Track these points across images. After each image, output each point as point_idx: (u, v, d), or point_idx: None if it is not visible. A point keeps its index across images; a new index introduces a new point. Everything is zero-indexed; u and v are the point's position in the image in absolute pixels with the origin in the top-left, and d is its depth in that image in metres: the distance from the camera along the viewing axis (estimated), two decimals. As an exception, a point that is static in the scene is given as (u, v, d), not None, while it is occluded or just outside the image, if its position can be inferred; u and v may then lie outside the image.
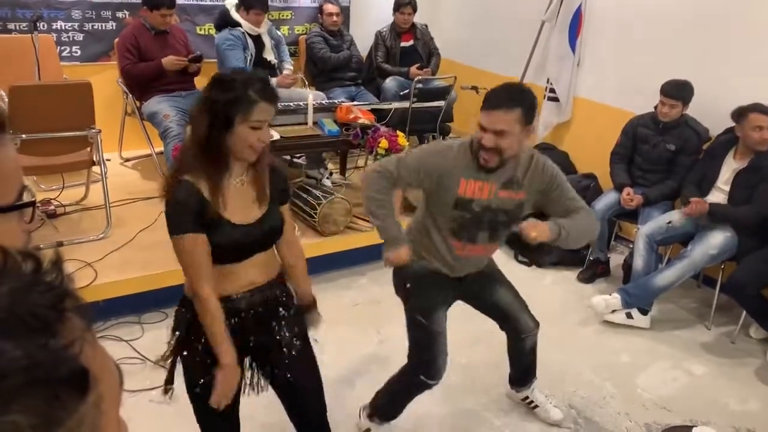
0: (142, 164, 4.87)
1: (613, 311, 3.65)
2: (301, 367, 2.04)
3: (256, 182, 1.85)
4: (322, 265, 3.85)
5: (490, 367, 3.22)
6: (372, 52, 5.52)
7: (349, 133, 4.11)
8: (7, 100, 3.31)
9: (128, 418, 0.55)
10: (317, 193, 3.92)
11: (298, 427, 2.14)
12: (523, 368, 2.82)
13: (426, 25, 5.62)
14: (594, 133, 4.72)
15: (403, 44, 5.48)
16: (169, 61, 4.32)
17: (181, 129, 4.17)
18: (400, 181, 2.31)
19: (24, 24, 4.48)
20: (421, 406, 2.91)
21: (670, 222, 3.73)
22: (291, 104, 4.23)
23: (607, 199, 4.09)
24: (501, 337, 3.46)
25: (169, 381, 2.00)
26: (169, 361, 1.97)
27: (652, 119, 3.95)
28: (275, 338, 1.97)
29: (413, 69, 5.28)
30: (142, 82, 4.39)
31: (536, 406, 2.89)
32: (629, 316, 3.64)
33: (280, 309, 1.99)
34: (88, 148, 3.70)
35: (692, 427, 2.02)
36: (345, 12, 5.73)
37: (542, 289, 4.09)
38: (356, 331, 3.37)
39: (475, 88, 5.30)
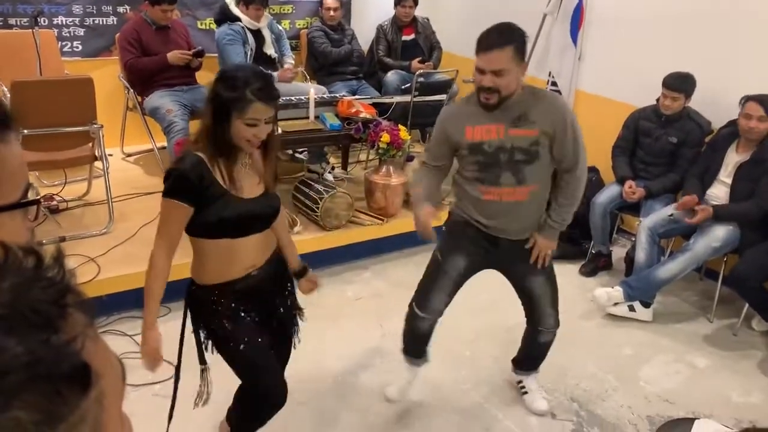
0: (144, 159, 4.88)
1: (616, 304, 3.65)
2: (285, 345, 2.30)
3: (259, 166, 2.01)
4: (324, 259, 3.85)
5: (494, 360, 3.22)
6: (373, 46, 5.51)
7: (351, 127, 4.10)
8: (9, 95, 3.32)
9: (131, 412, 0.55)
10: (319, 187, 3.92)
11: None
12: (530, 356, 2.88)
13: (427, 19, 5.60)
14: (596, 126, 4.69)
15: (404, 38, 5.47)
16: (174, 55, 4.32)
17: (185, 123, 4.17)
18: (431, 158, 2.52)
19: (25, 19, 4.48)
20: (425, 397, 2.92)
21: (672, 215, 3.73)
22: (292, 99, 4.22)
23: (609, 192, 4.08)
24: (505, 331, 3.47)
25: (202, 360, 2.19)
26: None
27: (654, 112, 3.93)
28: (277, 308, 2.18)
29: (415, 63, 5.27)
30: (146, 77, 4.39)
31: (526, 392, 2.94)
32: (631, 309, 3.64)
33: (281, 284, 2.20)
34: (90, 144, 3.71)
35: (695, 419, 2.02)
36: (346, 6, 5.72)
37: (544, 283, 4.09)
38: (359, 325, 3.38)
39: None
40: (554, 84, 4.92)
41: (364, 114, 4.15)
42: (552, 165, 2.43)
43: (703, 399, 3.05)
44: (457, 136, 2.39)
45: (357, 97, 4.61)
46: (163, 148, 4.40)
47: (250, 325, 2.07)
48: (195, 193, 1.86)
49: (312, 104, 4.08)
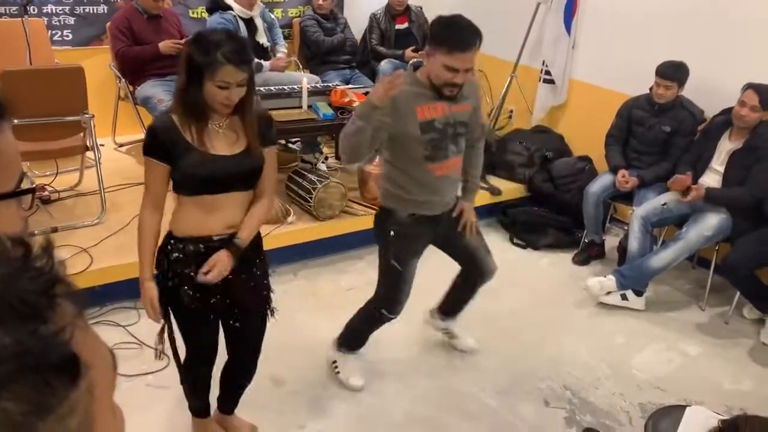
0: (136, 149, 4.85)
1: (608, 293, 3.66)
2: (252, 323, 2.27)
3: (236, 127, 2.01)
4: (317, 249, 3.85)
5: (488, 350, 3.24)
6: (366, 34, 5.48)
7: (344, 116, 4.08)
8: (-2, 85, 3.29)
9: (124, 403, 0.55)
10: (312, 177, 3.91)
11: (230, 362, 2.37)
12: (460, 303, 3.06)
13: (421, 8, 5.58)
14: (589, 115, 4.71)
15: (397, 27, 5.44)
16: (166, 45, 4.28)
17: (176, 113, 4.14)
18: (376, 117, 2.48)
19: (14, 8, 4.42)
20: (417, 387, 2.94)
21: (665, 204, 3.74)
22: (285, 88, 4.20)
23: (602, 181, 4.09)
24: (498, 320, 3.48)
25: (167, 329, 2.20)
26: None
27: (647, 101, 3.94)
28: (244, 280, 2.14)
29: (408, 51, 5.25)
30: (137, 66, 4.35)
31: (454, 337, 3.17)
32: (624, 297, 3.66)
33: (253, 257, 2.16)
34: (82, 134, 3.68)
35: (686, 406, 2.04)
36: (339, -6, 5.68)
37: (537, 272, 4.10)
38: (352, 314, 3.37)
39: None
40: (548, 73, 4.91)
41: (358, 103, 4.13)
42: None
43: (695, 386, 3.07)
44: (409, 120, 2.45)
45: (350, 86, 4.59)
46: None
47: (206, 294, 2.06)
48: (164, 150, 1.94)
49: (305, 94, 4.06)
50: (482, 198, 4.59)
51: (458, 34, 2.33)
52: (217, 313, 2.18)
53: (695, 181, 3.66)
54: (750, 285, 3.44)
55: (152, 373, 2.84)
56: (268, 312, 2.32)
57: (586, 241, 4.27)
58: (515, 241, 4.42)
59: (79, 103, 3.50)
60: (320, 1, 5.23)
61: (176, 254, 2.04)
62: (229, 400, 2.49)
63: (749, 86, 3.44)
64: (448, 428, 2.72)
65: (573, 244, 4.34)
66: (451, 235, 2.78)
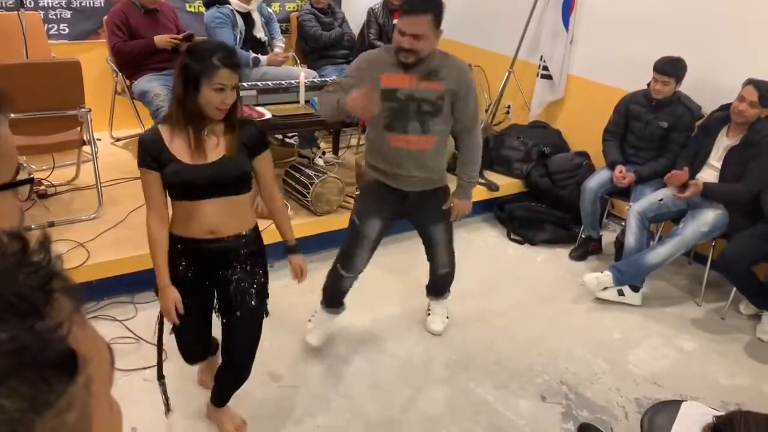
0: (133, 144, 4.83)
1: (605, 288, 3.67)
2: (246, 324, 2.34)
3: (217, 134, 2.14)
4: (315, 244, 3.84)
5: (486, 345, 3.24)
6: (364, 29, 5.47)
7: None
8: (-6, 79, 3.27)
9: (121, 397, 0.55)
10: (310, 172, 3.91)
11: (224, 359, 2.44)
12: (434, 285, 3.26)
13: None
14: (587, 110, 4.71)
15: (395, 21, 5.42)
16: (162, 39, 4.26)
17: (173, 108, 4.13)
18: (344, 83, 2.64)
19: (10, 1, 4.40)
20: (416, 382, 2.94)
21: (662, 199, 3.75)
22: (282, 83, 4.19)
23: (599, 177, 4.09)
24: (496, 316, 3.49)
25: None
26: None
27: (644, 97, 3.94)
28: (231, 285, 2.26)
29: (406, 46, 5.23)
30: (133, 61, 4.33)
31: (429, 314, 3.34)
32: (621, 293, 3.67)
33: (236, 263, 2.25)
34: (78, 128, 3.67)
35: (682, 401, 2.05)
36: (337, -11, 5.66)
37: (535, 267, 4.11)
38: (350, 309, 3.38)
39: (468, 65, 5.27)
40: (546, 68, 4.91)
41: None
42: (450, 123, 2.72)
43: (691, 382, 3.08)
44: (375, 80, 2.56)
45: (348, 81, 4.58)
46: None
47: (187, 285, 2.21)
48: (151, 159, 2.07)
49: (302, 88, 4.06)
50: (479, 193, 4.59)
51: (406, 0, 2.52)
52: (201, 312, 2.33)
53: (693, 176, 3.66)
54: (746, 281, 3.45)
55: (149, 367, 2.83)
56: (264, 313, 2.41)
57: (583, 236, 4.27)
58: (512, 236, 4.43)
59: (76, 98, 3.49)
60: (319, -5, 5.21)
61: (171, 250, 2.18)
62: (222, 396, 2.52)
63: (750, 81, 3.44)
64: (445, 423, 2.73)
65: (570, 239, 4.34)
66: (421, 220, 2.96)
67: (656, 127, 3.89)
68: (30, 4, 4.47)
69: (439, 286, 3.26)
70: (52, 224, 3.44)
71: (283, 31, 5.32)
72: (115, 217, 3.59)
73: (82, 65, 3.50)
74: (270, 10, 4.98)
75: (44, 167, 3.99)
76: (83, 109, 3.53)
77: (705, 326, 3.58)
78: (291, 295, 3.31)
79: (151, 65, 4.34)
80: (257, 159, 2.21)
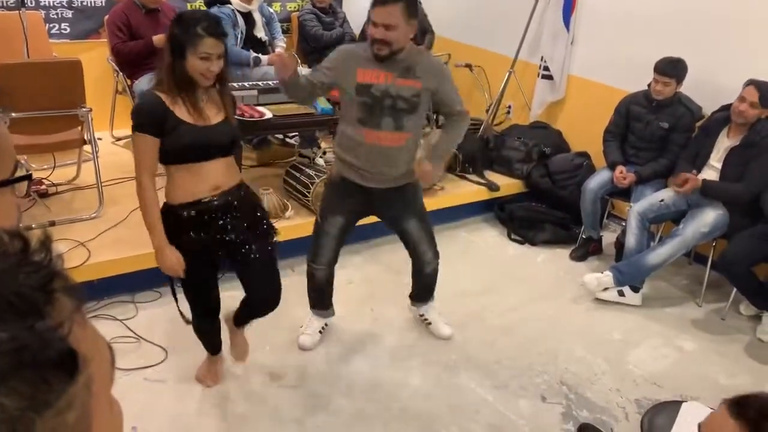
0: (134, 143, 4.83)
1: (605, 289, 3.67)
2: (262, 275, 2.50)
3: (216, 101, 2.27)
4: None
5: (484, 344, 3.25)
6: (365, 29, 5.47)
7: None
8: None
9: (122, 397, 0.55)
10: (310, 172, 3.91)
11: (249, 302, 2.63)
12: (422, 287, 3.21)
13: (420, 2, 5.56)
14: (587, 111, 4.71)
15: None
16: (161, 39, 4.25)
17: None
18: (313, 76, 2.70)
19: (11, 0, 4.41)
20: (416, 382, 2.94)
21: (662, 200, 3.75)
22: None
23: (599, 178, 4.09)
24: (495, 316, 3.49)
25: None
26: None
27: (645, 97, 3.94)
28: (241, 236, 2.37)
29: (407, 46, 5.23)
30: (133, 61, 4.33)
31: (430, 323, 3.27)
32: (621, 294, 3.67)
33: (242, 212, 2.38)
34: (79, 127, 3.67)
35: (682, 402, 2.05)
36: (338, -12, 5.66)
37: (535, 267, 4.11)
38: (350, 309, 3.38)
39: (469, 65, 5.27)
40: (546, 69, 4.91)
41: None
42: (424, 120, 2.83)
43: (691, 382, 3.08)
44: (349, 77, 2.62)
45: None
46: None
47: (200, 246, 2.30)
48: (154, 124, 2.15)
49: (303, 88, 4.05)
50: (480, 193, 4.60)
51: None
52: (215, 269, 2.45)
53: (693, 177, 3.67)
54: (746, 281, 3.45)
55: (150, 366, 2.84)
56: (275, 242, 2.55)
57: (583, 237, 4.27)
58: (513, 236, 4.43)
59: (77, 97, 3.49)
60: (321, -5, 5.22)
61: (173, 220, 2.27)
62: (243, 320, 2.73)
63: (751, 82, 3.44)
64: (444, 423, 2.73)
65: (570, 239, 4.34)
66: (392, 217, 2.96)
67: (657, 127, 3.89)
68: (31, 3, 4.48)
69: (425, 287, 3.20)
70: (52, 223, 3.44)
71: (284, 31, 5.33)
72: (116, 217, 3.59)
73: (83, 64, 3.51)
74: (271, 10, 4.99)
75: (45, 166, 3.99)
76: (84, 109, 3.54)
77: (705, 327, 3.58)
78: (291, 294, 3.30)
79: (151, 65, 4.33)
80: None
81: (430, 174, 2.83)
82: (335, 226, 2.88)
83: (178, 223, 2.27)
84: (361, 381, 2.93)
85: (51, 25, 4.64)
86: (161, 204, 2.28)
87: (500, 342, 3.28)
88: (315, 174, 3.87)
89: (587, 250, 4.24)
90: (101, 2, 4.79)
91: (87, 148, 3.78)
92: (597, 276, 3.68)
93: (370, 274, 3.82)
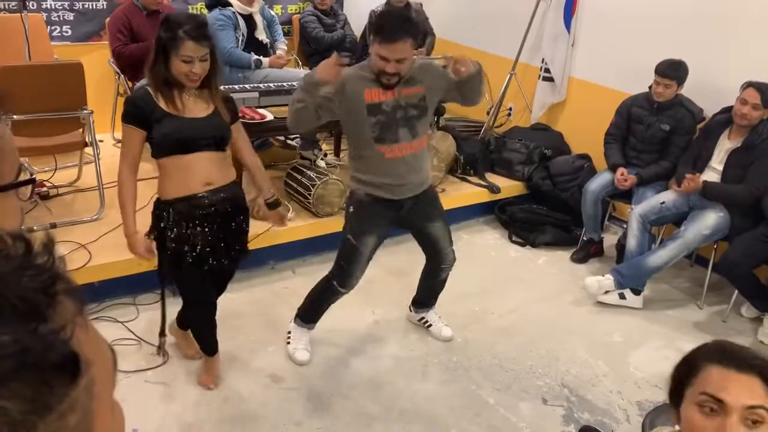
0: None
1: (606, 292, 3.67)
2: (218, 286, 2.67)
3: (205, 97, 2.32)
4: (316, 246, 3.85)
5: (486, 347, 3.24)
6: (366, 31, 5.47)
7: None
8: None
9: (123, 399, 0.55)
10: (311, 174, 3.91)
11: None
12: (429, 293, 3.21)
13: (421, 5, 5.56)
14: (588, 113, 4.71)
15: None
16: None
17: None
18: (320, 96, 2.58)
19: (13, 3, 4.41)
20: (417, 384, 2.94)
21: (663, 202, 3.74)
22: (284, 85, 4.19)
23: (601, 180, 4.09)
24: (496, 317, 3.49)
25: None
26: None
27: (646, 99, 3.94)
28: (233, 234, 2.46)
29: (408, 49, 5.23)
30: (134, 63, 4.34)
31: (430, 325, 3.27)
32: (622, 296, 3.66)
33: (236, 210, 2.46)
34: (81, 129, 3.68)
35: (683, 404, 2.04)
36: (339, -9, 5.66)
37: (536, 269, 4.11)
38: (351, 311, 3.38)
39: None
40: (547, 71, 4.91)
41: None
42: (431, 117, 2.81)
43: (692, 384, 3.07)
44: (356, 101, 2.59)
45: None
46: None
47: (195, 248, 2.37)
48: (142, 117, 2.23)
49: (304, 90, 4.05)
50: (481, 195, 4.60)
51: (388, 25, 2.51)
52: (210, 264, 2.46)
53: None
54: (748, 283, 3.45)
55: (151, 369, 2.84)
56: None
57: (584, 239, 4.27)
58: (514, 238, 4.43)
59: (78, 99, 3.50)
60: (322, -3, 5.22)
61: (167, 216, 2.33)
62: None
63: (749, 84, 3.44)
64: (446, 425, 2.72)
65: (571, 242, 4.34)
66: (417, 222, 2.92)
67: (658, 129, 3.89)
68: (33, 5, 4.49)
69: (435, 293, 3.21)
70: (54, 225, 3.44)
71: (285, 33, 5.33)
72: (117, 219, 3.54)
73: (84, 67, 3.51)
74: (272, 13, 4.99)
75: (46, 169, 4.00)
76: (85, 111, 3.54)
77: (706, 329, 3.57)
78: (292, 297, 3.31)
79: (153, 67, 4.35)
80: (234, 126, 2.44)
81: (462, 59, 2.61)
82: (368, 247, 2.82)
83: (170, 216, 2.33)
84: (362, 383, 2.93)
85: (52, 28, 4.65)
86: (155, 200, 2.39)
87: (501, 344, 3.28)
88: (316, 176, 3.87)
89: (588, 252, 4.23)
90: (102, 5, 4.80)
91: (88, 150, 3.79)
92: (598, 279, 3.68)
93: (370, 276, 3.80)
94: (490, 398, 2.89)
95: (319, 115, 2.59)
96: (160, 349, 2.88)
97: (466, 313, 3.50)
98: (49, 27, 4.60)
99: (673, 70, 3.75)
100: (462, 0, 5.78)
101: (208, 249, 2.39)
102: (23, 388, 0.39)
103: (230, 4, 4.49)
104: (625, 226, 4.08)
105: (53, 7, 4.65)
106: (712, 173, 3.66)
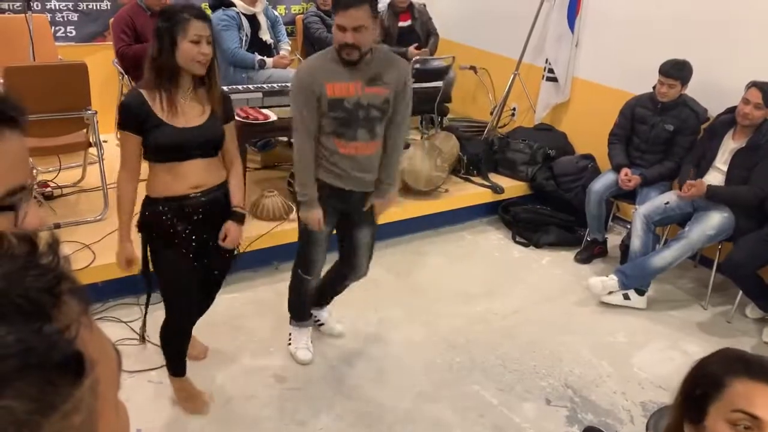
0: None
1: (610, 292, 3.66)
2: (208, 290, 2.63)
3: (200, 99, 2.27)
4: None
5: (489, 347, 3.24)
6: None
7: None
8: (2, 81, 3.29)
9: (126, 398, 0.55)
10: (315, 174, 3.90)
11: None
12: (327, 294, 3.15)
13: (424, 5, 5.56)
14: (592, 113, 4.70)
15: (400, 24, 5.43)
16: None
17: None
18: (309, 131, 2.58)
19: (17, 3, 4.43)
20: (419, 385, 2.94)
21: (667, 203, 3.74)
22: (288, 85, 4.18)
23: (605, 180, 4.08)
24: (499, 318, 3.49)
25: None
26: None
27: (650, 99, 3.93)
28: (211, 242, 2.41)
29: (411, 49, 5.23)
30: (138, 64, 4.33)
31: (322, 324, 3.24)
32: (626, 297, 3.66)
33: (223, 213, 2.41)
34: (85, 130, 3.69)
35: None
36: (342, -9, 5.65)
37: (540, 270, 4.10)
38: (355, 312, 3.38)
39: (473, 68, 5.27)
40: (551, 71, 4.91)
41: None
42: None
43: (697, 385, 3.07)
44: (319, 93, 2.53)
45: (353, 83, 4.58)
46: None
47: (183, 247, 2.34)
48: (137, 123, 2.18)
49: (308, 91, 4.06)
50: (484, 196, 4.60)
51: None
52: (196, 267, 2.42)
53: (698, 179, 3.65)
54: (752, 284, 3.44)
55: (154, 369, 2.84)
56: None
57: (588, 239, 4.27)
58: (517, 239, 4.42)
59: (82, 100, 3.51)
60: (325, -3, 5.22)
61: (153, 212, 2.31)
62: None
63: (753, 84, 3.44)
64: (449, 426, 2.72)
65: (575, 242, 4.34)
66: (356, 222, 2.85)
67: (662, 130, 3.89)
68: (37, 6, 4.50)
69: (330, 293, 3.14)
70: (58, 226, 3.45)
71: (289, 34, 5.33)
72: (121, 219, 3.59)
73: (88, 67, 3.52)
74: (276, 13, 4.99)
75: (51, 169, 4.01)
76: (89, 111, 3.55)
77: (711, 330, 3.56)
78: (296, 297, 3.31)
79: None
80: (226, 126, 2.38)
81: (383, 209, 2.85)
82: (324, 233, 2.79)
83: (157, 214, 2.31)
84: (365, 383, 2.93)
85: (57, 28, 4.67)
86: (143, 197, 2.35)
87: (505, 345, 3.27)
88: (319, 176, 3.87)
89: (592, 252, 4.23)
90: (107, 5, 4.81)
91: (92, 150, 3.80)
92: (602, 279, 3.67)
93: (372, 276, 3.80)
94: (494, 399, 2.89)
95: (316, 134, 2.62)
96: (142, 338, 2.95)
97: (469, 313, 3.49)
98: (53, 27, 4.61)
99: (677, 71, 3.75)
100: (466, 0, 5.78)
101: (194, 246, 2.35)
102: (27, 387, 0.39)
103: (234, 5, 4.50)
104: (629, 226, 4.07)
105: (57, 7, 4.66)
106: (717, 173, 3.65)
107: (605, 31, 4.62)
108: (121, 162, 2.27)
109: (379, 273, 3.86)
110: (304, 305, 3.02)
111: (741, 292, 3.55)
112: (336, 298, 3.19)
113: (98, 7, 4.80)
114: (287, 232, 3.70)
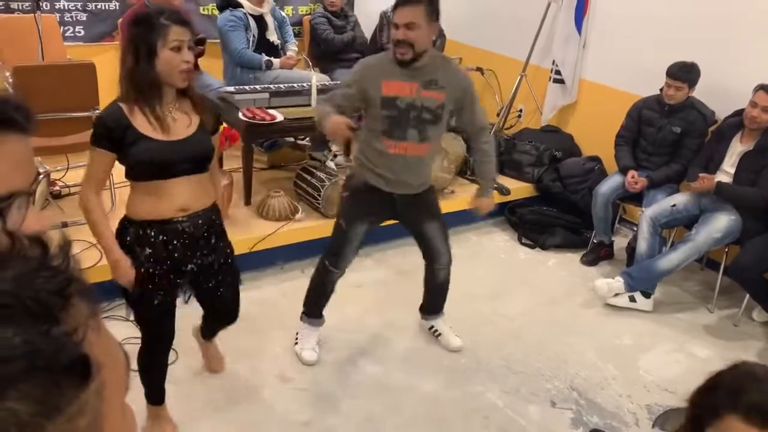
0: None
1: (616, 295, 3.66)
2: (227, 280, 2.40)
3: (186, 109, 2.09)
4: (325, 246, 3.85)
5: (495, 349, 3.24)
6: (376, 33, 5.47)
7: (353, 114, 4.08)
8: (11, 80, 3.31)
9: (131, 398, 0.55)
10: (321, 175, 3.92)
11: (211, 318, 2.60)
12: (434, 297, 3.17)
13: (431, 6, 5.56)
14: (599, 115, 4.69)
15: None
16: None
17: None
18: (338, 98, 2.65)
19: (27, 3, 4.45)
20: (425, 386, 2.94)
21: (674, 205, 3.73)
22: (295, 86, 4.20)
23: (611, 182, 4.08)
24: (505, 320, 3.48)
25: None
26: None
27: (657, 102, 3.92)
28: (208, 261, 2.25)
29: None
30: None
31: (440, 334, 3.23)
32: (632, 299, 3.65)
33: (213, 237, 2.25)
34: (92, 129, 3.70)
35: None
36: (350, -8, 5.67)
37: (546, 272, 4.10)
38: (360, 313, 3.39)
39: (480, 69, 5.27)
40: (558, 73, 4.89)
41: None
42: (444, 129, 2.77)
43: (703, 389, 3.06)
44: (373, 90, 2.58)
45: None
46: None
47: (163, 270, 2.16)
48: (114, 139, 1.98)
49: (314, 91, 4.07)
50: (491, 197, 4.59)
51: None
52: (173, 293, 2.27)
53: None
54: (759, 287, 3.42)
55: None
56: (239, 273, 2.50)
57: (594, 241, 4.26)
58: (523, 240, 4.42)
59: (91, 99, 3.53)
60: (331, -1, 5.23)
61: (132, 238, 2.11)
62: (210, 333, 2.73)
63: (760, 87, 3.42)
64: (454, 428, 2.72)
65: (581, 244, 4.33)
66: (414, 221, 2.92)
67: (669, 132, 3.87)
68: (46, 6, 4.52)
69: (436, 297, 3.17)
70: (65, 224, 3.47)
71: (296, 35, 5.34)
72: (128, 218, 3.60)
73: (96, 67, 3.54)
74: (283, 14, 5.00)
75: (59, 168, 4.03)
76: (97, 111, 3.56)
77: (717, 333, 3.55)
78: (300, 297, 3.31)
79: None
80: (213, 138, 2.21)
81: (486, 208, 3.01)
82: (358, 234, 2.85)
83: (137, 239, 2.11)
84: (371, 384, 2.93)
85: (65, 28, 4.69)
86: (122, 216, 2.18)
87: (510, 346, 3.27)
88: (326, 177, 3.88)
89: (598, 254, 4.22)
90: (115, 6, 4.83)
91: (100, 150, 3.81)
92: (608, 281, 3.66)
93: (380, 277, 3.82)
94: (499, 401, 2.89)
95: (345, 109, 2.64)
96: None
97: (475, 315, 3.49)
98: (62, 27, 4.64)
99: (684, 73, 3.73)
100: (472, 1, 5.77)
101: (173, 277, 2.19)
102: (33, 389, 0.39)
103: (241, 5, 4.51)
104: (635, 228, 4.06)
105: (66, 7, 4.68)
106: (724, 176, 3.63)
107: (613, 32, 4.61)
108: (85, 179, 2.06)
109: (385, 274, 3.87)
110: (321, 298, 3.02)
111: (748, 296, 3.54)
112: (341, 299, 3.19)
113: (107, 8, 4.83)
114: (293, 232, 3.71)
